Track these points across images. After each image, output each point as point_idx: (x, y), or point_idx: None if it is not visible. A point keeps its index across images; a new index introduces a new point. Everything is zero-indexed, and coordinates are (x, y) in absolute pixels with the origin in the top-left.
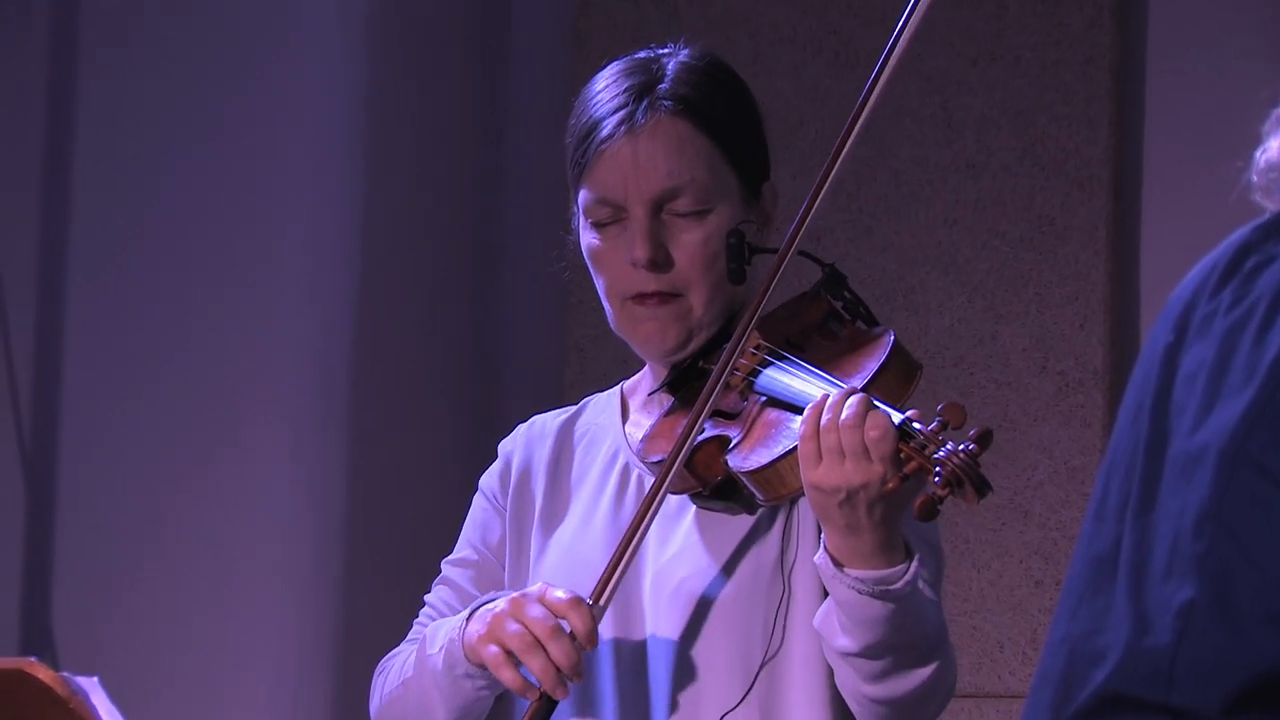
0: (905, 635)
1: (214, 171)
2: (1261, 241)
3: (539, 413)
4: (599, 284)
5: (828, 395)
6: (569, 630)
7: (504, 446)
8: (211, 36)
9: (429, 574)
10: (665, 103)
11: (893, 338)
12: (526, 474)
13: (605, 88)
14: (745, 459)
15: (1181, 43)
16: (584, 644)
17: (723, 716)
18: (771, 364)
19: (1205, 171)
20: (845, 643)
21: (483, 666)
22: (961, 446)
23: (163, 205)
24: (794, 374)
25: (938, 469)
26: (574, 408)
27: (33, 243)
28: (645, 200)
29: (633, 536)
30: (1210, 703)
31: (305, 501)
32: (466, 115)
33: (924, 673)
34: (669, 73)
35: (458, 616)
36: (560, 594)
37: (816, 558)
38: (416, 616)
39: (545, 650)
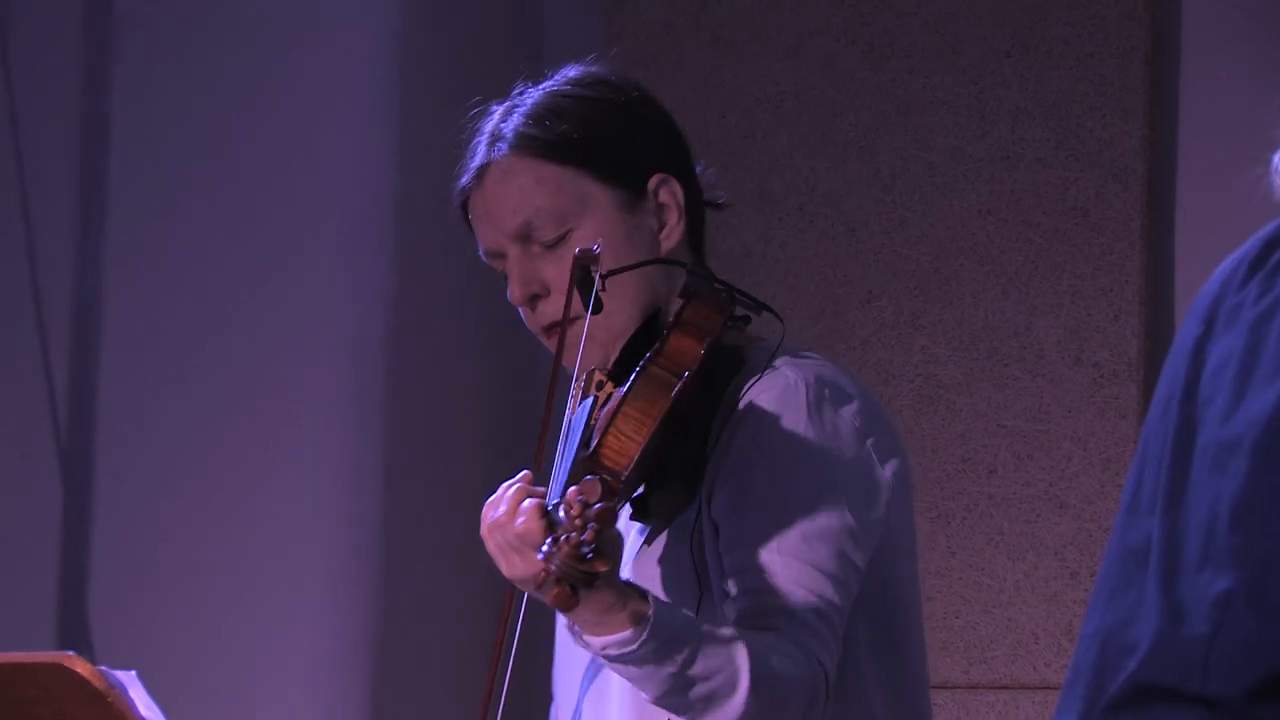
0: (684, 678)
1: (249, 168)
2: None
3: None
4: None
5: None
6: None
7: None
8: (245, 31)
9: (463, 568)
10: (499, 145)
11: (629, 383)
12: None
13: (467, 144)
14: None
15: (1215, 34)
16: None
17: None
18: (585, 399)
19: (1239, 162)
20: (644, 694)
21: None
22: (563, 538)
23: (197, 203)
24: (574, 423)
25: (548, 564)
26: None
27: (68, 238)
28: (508, 242)
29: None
30: (1241, 690)
31: (342, 496)
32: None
33: (736, 704)
34: (518, 111)
35: None
36: None
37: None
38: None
39: None
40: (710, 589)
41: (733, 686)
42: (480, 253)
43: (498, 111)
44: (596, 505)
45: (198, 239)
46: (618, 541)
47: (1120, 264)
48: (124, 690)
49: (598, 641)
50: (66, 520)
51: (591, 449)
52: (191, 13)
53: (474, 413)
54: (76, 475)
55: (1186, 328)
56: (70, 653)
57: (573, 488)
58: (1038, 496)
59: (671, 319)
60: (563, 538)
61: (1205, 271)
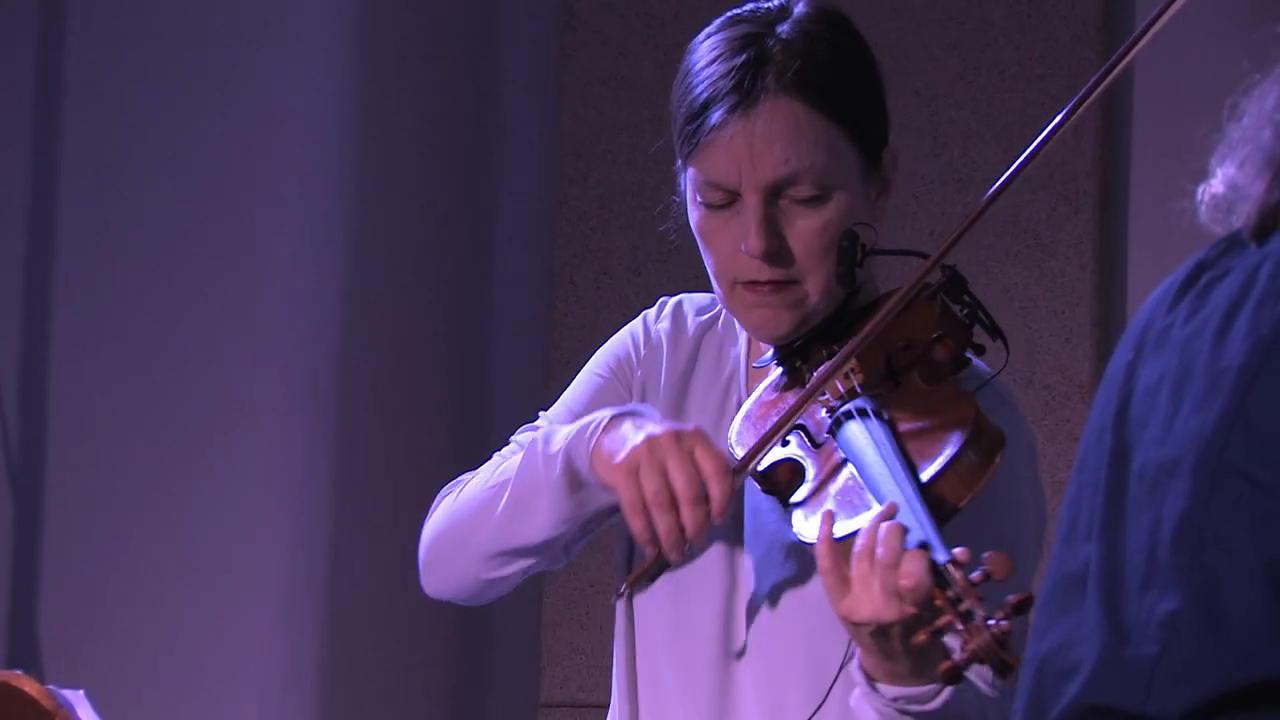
0: None
1: (201, 176)
2: (1217, 258)
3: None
4: (707, 261)
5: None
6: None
7: (649, 319)
8: (200, 34)
9: (414, 583)
10: (780, 83)
11: (972, 416)
12: (655, 358)
13: (715, 61)
14: (807, 522)
15: (1167, 56)
16: (716, 517)
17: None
18: (860, 412)
19: (1192, 185)
20: None
21: (607, 488)
22: (991, 622)
23: (148, 204)
24: (873, 442)
25: (960, 641)
26: (715, 308)
27: (18, 247)
28: (760, 189)
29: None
30: (1180, 708)
31: (292, 512)
32: (454, 122)
33: None
34: (783, 44)
35: (589, 418)
36: (710, 455)
37: (851, 666)
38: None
39: (679, 513)
40: None
41: None
42: (692, 175)
43: (737, 39)
44: (1018, 598)
45: (149, 242)
46: None
47: (1072, 286)
48: (72, 709)
49: (894, 691)
50: (16, 537)
51: (926, 482)
52: (146, 10)
53: (427, 420)
54: (26, 491)
55: (1118, 355)
56: (18, 671)
57: (961, 549)
58: None
59: (931, 323)
60: (989, 621)
61: None
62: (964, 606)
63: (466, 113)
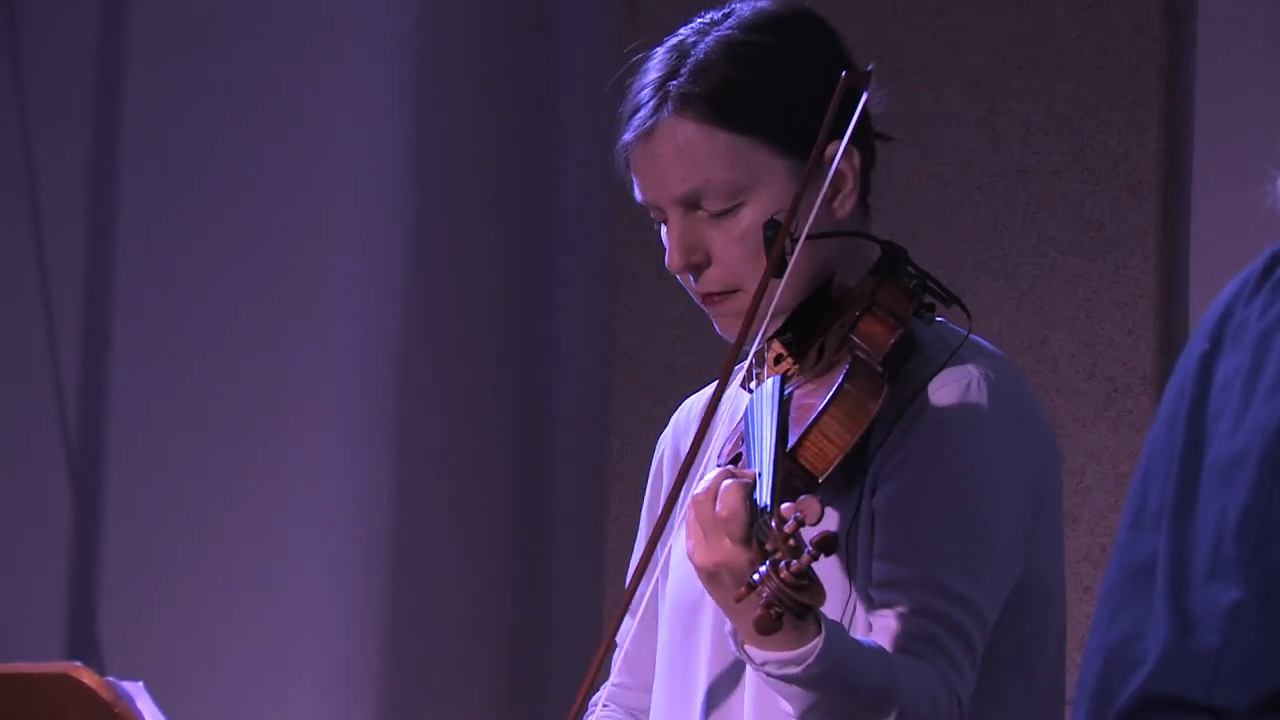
0: (837, 702)
1: (261, 173)
2: None
3: (582, 414)
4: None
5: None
6: None
7: (660, 442)
8: (257, 34)
9: (478, 572)
10: (670, 105)
11: (841, 376)
12: (676, 462)
13: (636, 81)
14: None
15: (1231, 46)
16: None
17: None
18: (759, 387)
19: (1255, 176)
20: (784, 705)
21: None
22: (782, 564)
23: (208, 205)
24: (763, 411)
25: (760, 588)
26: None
27: (78, 244)
28: (670, 205)
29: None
30: (1248, 701)
31: (353, 503)
32: (515, 117)
33: None
34: (689, 62)
35: None
36: None
37: (726, 626)
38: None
39: None
40: (855, 584)
41: (875, 713)
42: (636, 196)
43: (663, 56)
44: (819, 536)
45: (208, 243)
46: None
47: (1135, 278)
48: (131, 701)
49: (761, 655)
50: (76, 530)
51: (790, 447)
52: (203, 16)
53: (488, 414)
54: (86, 483)
55: (1193, 344)
56: (77, 663)
57: (788, 504)
58: None
59: (863, 300)
60: (781, 564)
61: (1220, 285)
62: (776, 556)
63: (527, 107)
